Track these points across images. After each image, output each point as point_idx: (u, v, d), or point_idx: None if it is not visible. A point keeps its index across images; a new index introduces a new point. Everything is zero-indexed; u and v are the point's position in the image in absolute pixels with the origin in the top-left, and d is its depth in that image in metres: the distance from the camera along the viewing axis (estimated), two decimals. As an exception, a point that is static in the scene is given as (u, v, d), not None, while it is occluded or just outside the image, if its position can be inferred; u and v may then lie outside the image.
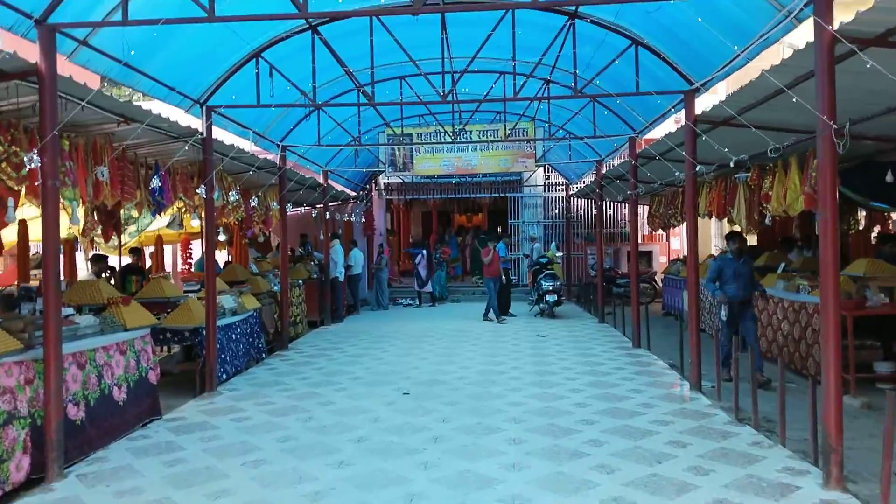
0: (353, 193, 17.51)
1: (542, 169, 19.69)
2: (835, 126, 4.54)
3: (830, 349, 4.68)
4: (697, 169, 7.16)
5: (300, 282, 13.13)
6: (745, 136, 7.49)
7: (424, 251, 17.44)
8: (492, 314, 13.77)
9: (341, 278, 14.81)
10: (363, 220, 17.72)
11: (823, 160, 4.71)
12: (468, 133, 13.69)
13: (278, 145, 11.00)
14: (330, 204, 16.24)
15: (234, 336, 9.14)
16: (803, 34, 5.63)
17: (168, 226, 12.56)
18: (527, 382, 8.14)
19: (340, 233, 17.33)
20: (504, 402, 7.18)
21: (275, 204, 10.48)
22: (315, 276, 14.30)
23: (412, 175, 18.61)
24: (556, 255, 16.50)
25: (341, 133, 12.81)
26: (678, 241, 19.28)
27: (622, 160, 12.92)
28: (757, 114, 7.12)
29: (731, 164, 6.52)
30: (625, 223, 19.91)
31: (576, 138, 11.67)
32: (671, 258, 18.72)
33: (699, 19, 6.53)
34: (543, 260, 14.85)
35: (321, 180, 13.95)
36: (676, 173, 7.88)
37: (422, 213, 25.91)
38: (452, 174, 16.58)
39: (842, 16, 4.59)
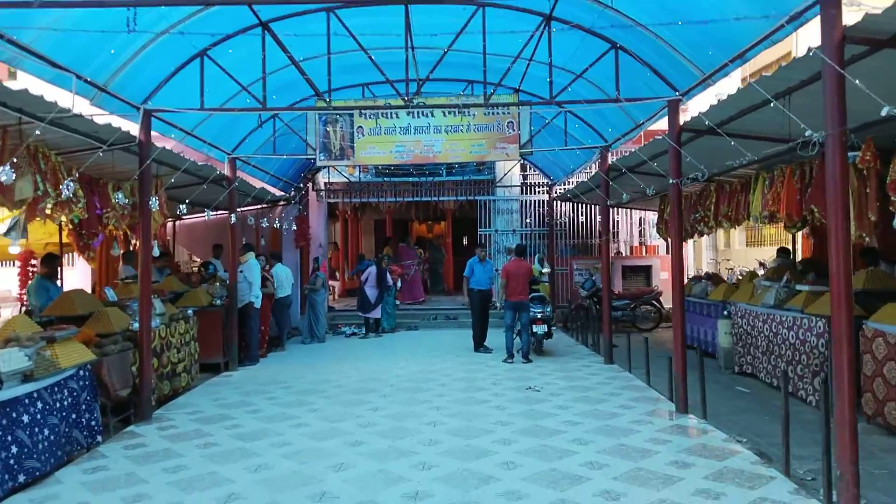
0: (281, 193, 13.71)
1: (518, 166, 16.26)
2: None
3: None
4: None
5: (190, 311, 9.28)
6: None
7: (373, 267, 13.74)
8: (525, 350, 10.34)
9: (257, 304, 10.98)
10: (294, 227, 13.92)
11: None
12: (429, 109, 10.11)
13: (139, 108, 7.22)
14: (244, 208, 12.47)
15: (24, 419, 5.28)
16: None
17: (6, 234, 8.65)
18: (535, 508, 4.53)
19: (264, 243, 13.54)
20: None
21: (120, 195, 6.64)
22: (219, 302, 10.46)
23: (356, 166, 14.94)
24: (543, 271, 12.98)
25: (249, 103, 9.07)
26: (684, 253, 15.98)
27: (632, 150, 9.51)
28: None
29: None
30: (616, 231, 16.58)
31: (595, 102, 8.10)
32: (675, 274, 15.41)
33: None
34: (528, 279, 11.31)
35: (226, 171, 10.15)
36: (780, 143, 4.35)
37: (374, 220, 22.19)
38: (408, 164, 12.96)
39: None
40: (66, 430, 5.87)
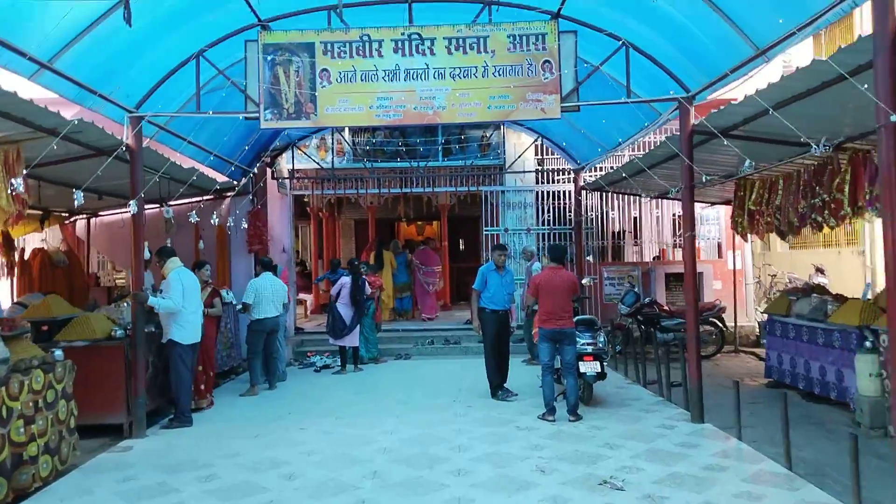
0: (225, 179, 10.32)
1: (532, 149, 13.03)
2: None
3: None
4: None
5: (59, 353, 5.85)
6: None
7: (347, 278, 10.38)
8: (573, 403, 7.02)
9: (186, 341, 7.45)
10: (245, 225, 10.51)
11: None
12: (427, 42, 6.86)
13: None
14: (178, 201, 9.20)
15: None
16: None
17: None
18: None
19: (202, 247, 10.17)
20: None
21: None
22: (121, 332, 7.08)
23: (328, 148, 11.63)
24: (583, 283, 9.69)
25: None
26: (741, 257, 12.83)
27: (726, 106, 6.30)
28: None
29: None
30: (638, 230, 13.36)
31: None
32: (736, 281, 12.30)
33: None
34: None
35: (127, 137, 6.75)
36: None
37: (353, 221, 18.82)
38: (396, 127, 9.61)
39: None
40: None
